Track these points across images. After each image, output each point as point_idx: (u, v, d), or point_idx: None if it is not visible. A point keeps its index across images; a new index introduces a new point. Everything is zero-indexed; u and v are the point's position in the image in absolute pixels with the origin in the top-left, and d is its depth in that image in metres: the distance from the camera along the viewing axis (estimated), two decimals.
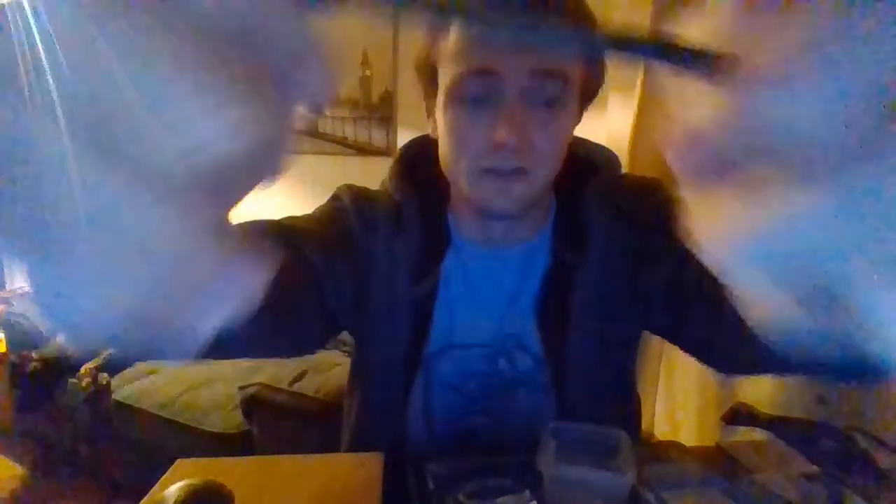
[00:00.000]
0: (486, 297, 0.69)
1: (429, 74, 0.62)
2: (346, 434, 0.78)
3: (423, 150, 0.73)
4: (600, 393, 0.69)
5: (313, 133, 2.76)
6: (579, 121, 0.64)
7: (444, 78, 0.59)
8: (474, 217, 0.68)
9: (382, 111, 2.77)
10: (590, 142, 0.73)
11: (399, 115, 2.79)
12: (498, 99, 0.56)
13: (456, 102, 0.58)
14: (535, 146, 0.57)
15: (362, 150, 2.78)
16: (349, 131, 2.76)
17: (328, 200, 0.73)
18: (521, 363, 0.69)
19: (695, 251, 0.19)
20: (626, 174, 0.74)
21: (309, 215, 0.70)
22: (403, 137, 2.99)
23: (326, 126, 2.76)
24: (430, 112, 0.65)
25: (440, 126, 0.62)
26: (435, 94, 0.62)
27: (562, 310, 0.67)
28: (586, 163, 0.70)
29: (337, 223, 0.68)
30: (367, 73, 2.71)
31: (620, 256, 0.67)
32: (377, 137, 2.78)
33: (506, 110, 0.56)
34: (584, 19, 0.57)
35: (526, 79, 0.55)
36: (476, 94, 0.57)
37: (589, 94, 0.63)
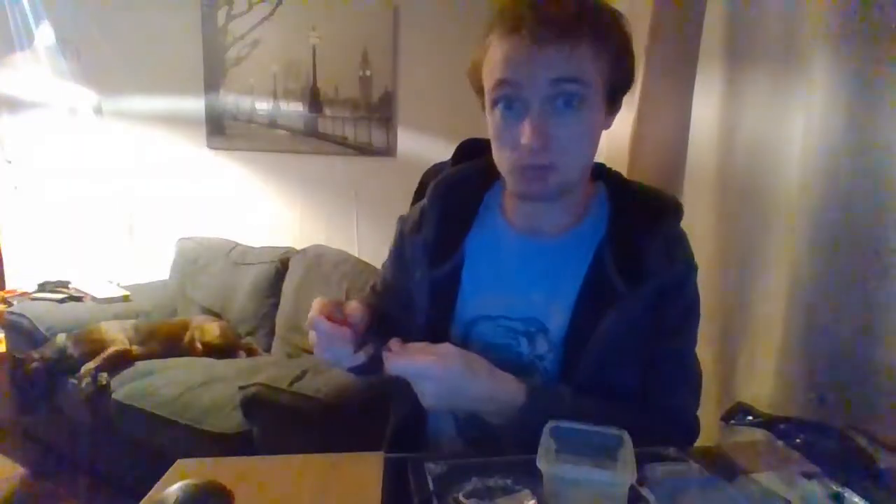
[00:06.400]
0: (514, 278, 0.76)
1: (476, 82, 0.72)
2: (391, 422, 0.86)
3: (474, 147, 0.84)
4: (604, 393, 0.70)
5: (313, 133, 2.76)
6: (616, 111, 0.72)
7: (486, 85, 0.69)
8: (517, 203, 0.78)
9: (382, 111, 2.76)
10: (660, 191, 0.80)
11: (399, 115, 2.78)
12: (524, 105, 0.65)
13: (492, 107, 0.68)
14: (559, 143, 0.65)
15: (362, 150, 2.77)
16: (349, 131, 2.75)
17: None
18: (539, 346, 0.75)
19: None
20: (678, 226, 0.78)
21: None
22: (403, 137, 2.98)
23: (326, 126, 2.75)
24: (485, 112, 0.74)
25: (488, 126, 0.71)
26: (483, 99, 0.71)
27: (595, 321, 0.71)
28: (655, 205, 0.75)
29: (397, 229, 0.86)
30: (367, 73, 2.71)
31: (656, 291, 0.72)
32: (377, 137, 2.77)
33: (530, 115, 0.64)
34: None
35: (546, 87, 0.63)
36: (507, 101, 0.66)
37: (617, 88, 0.70)
